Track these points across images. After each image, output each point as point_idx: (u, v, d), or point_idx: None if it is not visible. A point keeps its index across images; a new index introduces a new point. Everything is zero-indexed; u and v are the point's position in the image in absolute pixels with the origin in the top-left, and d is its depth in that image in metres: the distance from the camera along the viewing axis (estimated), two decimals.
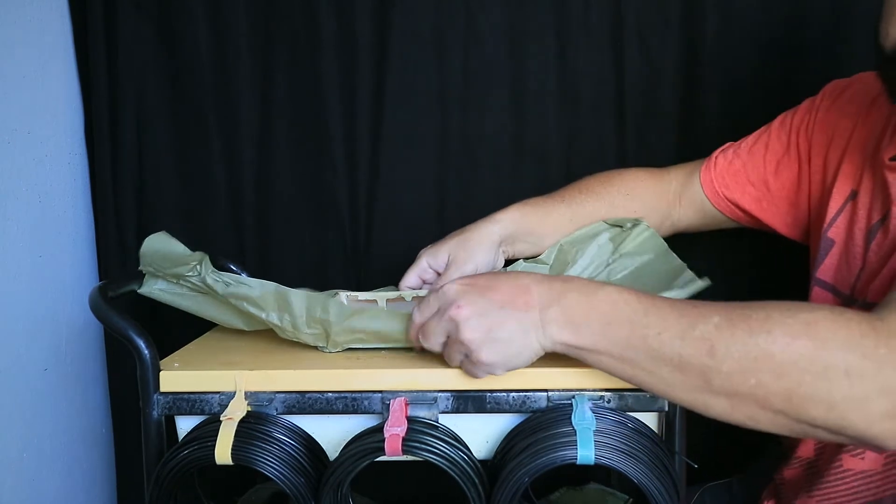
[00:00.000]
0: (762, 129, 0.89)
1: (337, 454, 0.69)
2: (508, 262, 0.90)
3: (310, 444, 0.71)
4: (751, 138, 0.90)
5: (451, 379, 0.70)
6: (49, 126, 1.07)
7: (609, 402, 0.68)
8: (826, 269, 0.79)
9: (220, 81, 1.12)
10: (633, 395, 0.68)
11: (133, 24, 1.11)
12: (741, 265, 1.10)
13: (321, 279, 1.15)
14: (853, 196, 0.77)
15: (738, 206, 0.90)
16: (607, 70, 1.09)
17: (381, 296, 0.86)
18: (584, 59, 1.09)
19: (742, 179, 0.89)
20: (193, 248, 1.15)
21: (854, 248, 0.75)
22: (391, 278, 1.15)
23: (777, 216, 0.89)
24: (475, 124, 1.11)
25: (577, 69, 1.09)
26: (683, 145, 1.08)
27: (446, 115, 1.11)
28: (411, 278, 0.87)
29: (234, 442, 0.68)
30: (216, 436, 0.68)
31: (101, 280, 1.14)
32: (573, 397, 0.68)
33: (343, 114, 1.12)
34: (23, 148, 1.01)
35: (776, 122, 0.88)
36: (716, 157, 0.91)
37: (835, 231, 0.78)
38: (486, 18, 1.09)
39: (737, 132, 0.95)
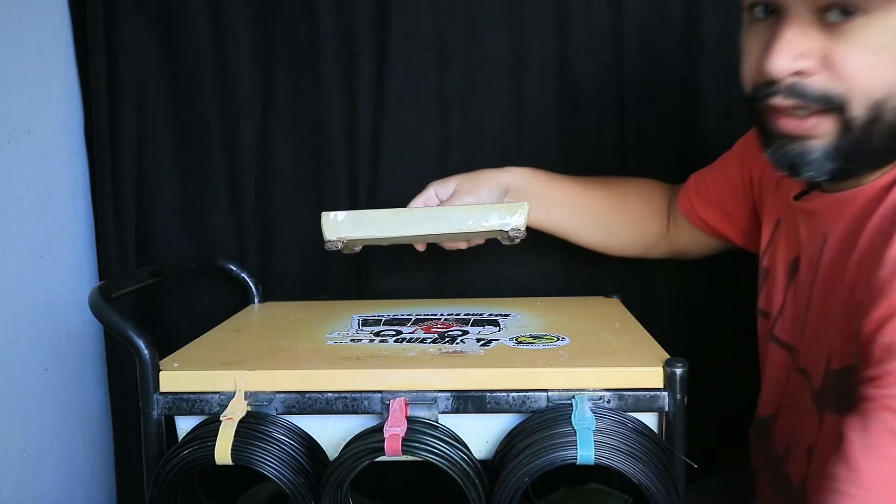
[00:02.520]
0: (729, 150, 0.90)
1: (337, 454, 0.70)
2: None
3: (309, 445, 0.71)
4: (718, 160, 0.91)
5: (451, 379, 0.71)
6: (49, 126, 1.07)
7: (609, 402, 0.68)
8: (763, 298, 0.79)
9: (220, 81, 1.12)
10: (633, 395, 0.68)
11: (133, 24, 1.11)
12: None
13: (321, 279, 1.15)
14: (778, 224, 0.76)
15: (710, 226, 0.91)
16: (607, 70, 1.09)
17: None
18: (584, 58, 1.08)
19: (707, 202, 0.91)
20: (193, 247, 1.15)
21: (779, 280, 0.75)
22: (391, 278, 1.15)
23: (744, 238, 0.89)
24: (475, 124, 1.11)
25: (577, 69, 1.09)
26: (683, 146, 1.08)
27: (446, 116, 1.11)
28: (417, 203, 0.92)
29: (233, 442, 0.68)
30: (216, 436, 0.68)
31: (100, 280, 1.14)
32: (573, 397, 0.68)
33: (343, 114, 1.12)
34: (22, 148, 1.01)
35: (737, 144, 0.89)
36: (691, 178, 0.94)
37: (767, 260, 0.78)
38: (486, 18, 1.09)
39: (737, 133, 0.95)
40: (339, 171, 1.13)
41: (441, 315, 0.95)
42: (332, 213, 0.82)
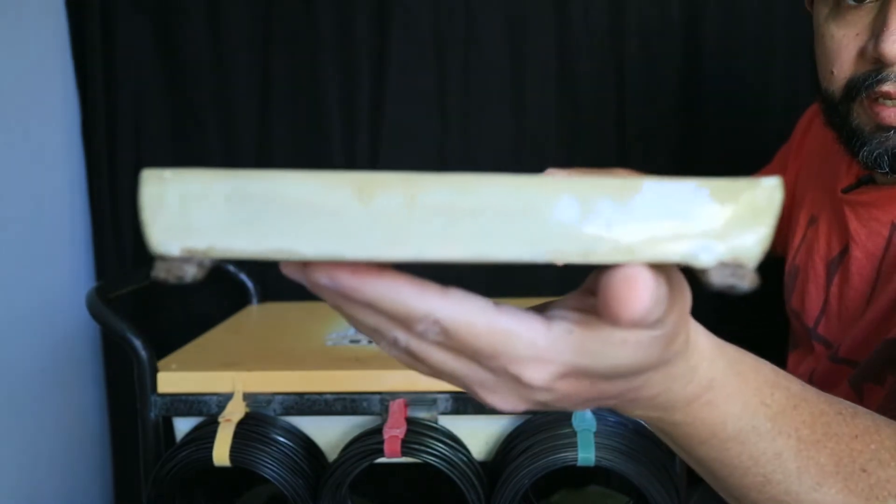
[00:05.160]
0: (770, 163, 0.88)
1: (336, 456, 0.69)
2: None
3: (308, 446, 0.71)
4: (764, 170, 0.89)
5: None
6: (46, 126, 1.07)
7: None
8: (796, 297, 0.77)
9: (218, 81, 1.12)
10: None
11: (131, 24, 1.10)
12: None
13: None
14: (812, 222, 0.75)
15: None
16: (607, 70, 1.08)
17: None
18: (584, 58, 1.08)
19: None
20: None
21: (816, 277, 0.73)
22: None
23: (780, 243, 0.88)
24: (475, 124, 1.11)
25: (578, 69, 1.09)
26: (684, 146, 1.08)
27: (446, 115, 1.11)
28: None
29: (232, 443, 0.68)
30: (214, 437, 0.68)
31: (98, 280, 1.14)
32: None
33: (342, 114, 1.11)
34: (19, 149, 1.00)
35: (781, 151, 0.87)
36: None
37: (800, 258, 0.76)
38: (486, 18, 1.08)
39: (737, 132, 0.95)
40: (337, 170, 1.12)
41: None
42: (170, 174, 0.25)
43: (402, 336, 0.27)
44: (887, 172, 0.59)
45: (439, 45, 1.09)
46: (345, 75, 1.10)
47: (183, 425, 0.74)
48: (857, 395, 0.64)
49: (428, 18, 1.08)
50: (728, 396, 0.34)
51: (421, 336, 0.27)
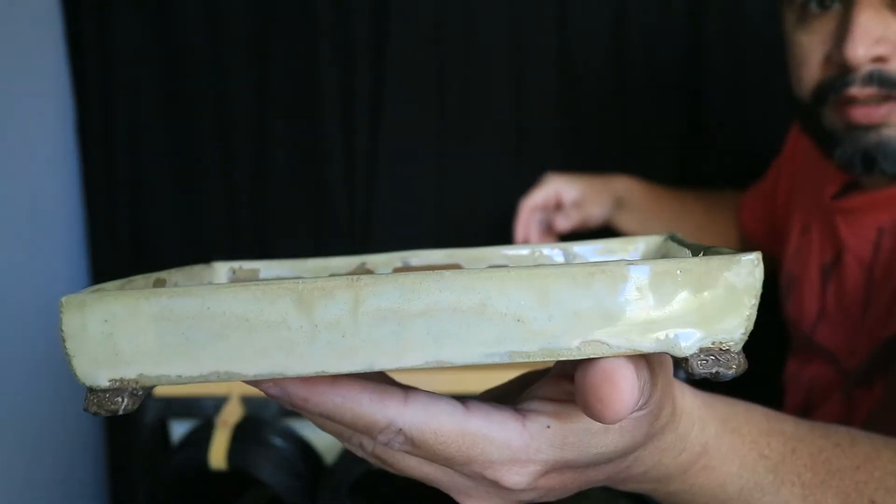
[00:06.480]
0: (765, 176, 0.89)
1: (334, 459, 0.68)
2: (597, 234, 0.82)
3: (306, 449, 0.70)
4: (762, 179, 0.89)
5: (449, 379, 0.70)
6: (40, 125, 1.06)
7: None
8: (791, 306, 0.76)
9: (215, 80, 1.11)
10: None
11: (127, 22, 1.10)
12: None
13: None
14: (806, 231, 0.75)
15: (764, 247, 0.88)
16: (609, 70, 1.08)
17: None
18: (585, 58, 1.08)
19: (756, 223, 0.88)
20: (189, 249, 1.14)
21: (811, 285, 0.72)
22: None
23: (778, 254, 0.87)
24: (475, 125, 1.10)
25: (579, 69, 1.08)
26: (686, 145, 1.08)
27: (446, 116, 1.10)
28: (538, 198, 0.78)
29: (228, 446, 0.67)
30: (211, 440, 0.67)
31: (93, 282, 1.13)
32: None
33: (341, 114, 1.11)
34: (13, 147, 1.00)
35: (777, 159, 0.87)
36: (743, 201, 0.90)
37: (795, 267, 0.76)
38: (486, 18, 1.08)
39: (740, 132, 0.94)
40: (336, 173, 1.12)
41: None
42: (90, 299, 0.27)
43: (367, 442, 0.26)
44: (861, 173, 0.59)
45: (438, 45, 1.09)
46: (343, 75, 1.10)
47: (179, 428, 0.73)
48: (849, 400, 0.63)
49: (428, 18, 1.08)
50: (724, 457, 0.33)
51: (386, 444, 0.26)
